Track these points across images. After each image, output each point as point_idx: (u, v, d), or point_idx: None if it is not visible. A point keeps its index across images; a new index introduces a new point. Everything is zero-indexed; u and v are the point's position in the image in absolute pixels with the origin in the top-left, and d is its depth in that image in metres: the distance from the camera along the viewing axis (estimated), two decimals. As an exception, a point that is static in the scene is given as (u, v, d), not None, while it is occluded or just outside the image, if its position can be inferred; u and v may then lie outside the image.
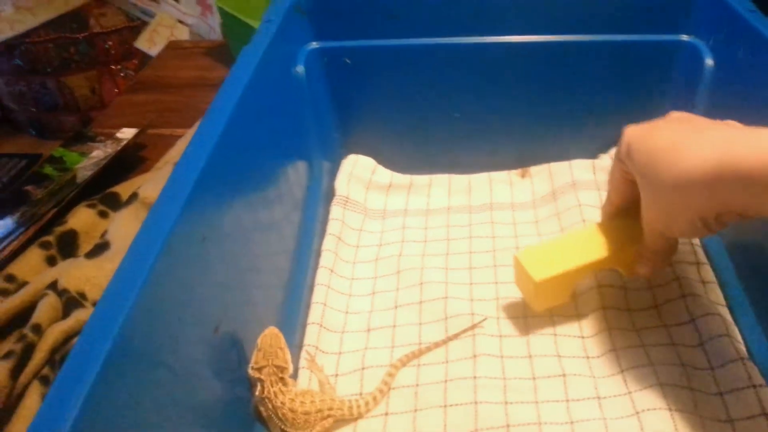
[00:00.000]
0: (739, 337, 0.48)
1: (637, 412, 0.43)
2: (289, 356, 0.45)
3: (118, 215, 0.63)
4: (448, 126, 0.67)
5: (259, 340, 0.46)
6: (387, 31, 0.63)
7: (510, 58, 0.63)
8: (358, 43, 0.64)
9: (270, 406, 0.43)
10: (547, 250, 0.49)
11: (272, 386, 0.43)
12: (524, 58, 0.63)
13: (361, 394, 0.48)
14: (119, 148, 0.74)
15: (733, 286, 0.52)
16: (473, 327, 0.51)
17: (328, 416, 0.44)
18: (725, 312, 0.50)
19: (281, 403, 0.43)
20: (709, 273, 0.53)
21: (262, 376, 0.43)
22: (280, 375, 0.44)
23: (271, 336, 0.46)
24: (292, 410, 0.43)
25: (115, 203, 0.66)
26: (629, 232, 0.48)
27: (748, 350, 0.47)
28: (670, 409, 0.43)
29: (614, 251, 0.48)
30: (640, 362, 0.47)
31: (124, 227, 0.60)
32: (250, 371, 0.44)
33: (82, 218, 0.64)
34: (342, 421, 0.46)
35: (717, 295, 0.51)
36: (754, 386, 0.44)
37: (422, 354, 0.50)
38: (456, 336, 0.50)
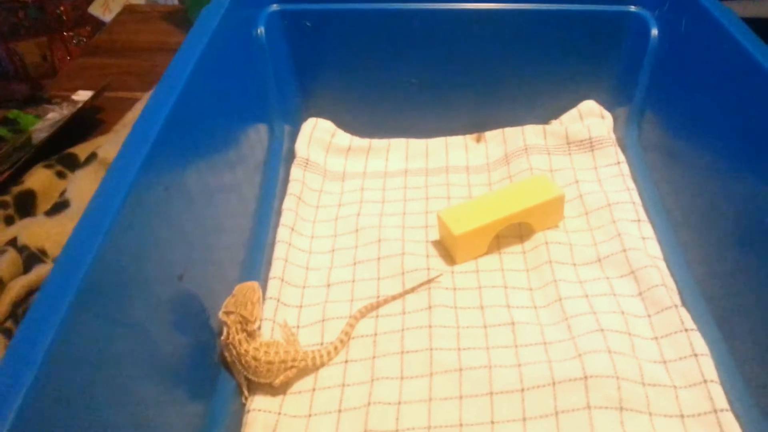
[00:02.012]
0: (674, 287, 0.51)
1: (580, 355, 0.46)
2: (258, 312, 0.47)
3: (76, 175, 0.62)
4: (406, 91, 0.69)
5: (236, 288, 0.47)
6: (348, -5, 0.64)
7: (466, 25, 0.65)
8: (318, 6, 0.64)
9: (234, 353, 0.45)
10: (465, 208, 0.56)
11: (237, 334, 0.45)
12: (479, 25, 0.65)
13: (322, 343, 0.50)
14: (75, 110, 0.74)
15: (670, 241, 0.56)
16: (430, 281, 0.53)
17: (292, 367, 0.46)
18: (662, 264, 0.54)
19: (245, 350, 0.45)
20: (648, 229, 0.57)
21: (229, 322, 0.45)
22: (245, 326, 0.46)
23: (248, 288, 0.47)
24: (255, 359, 0.45)
25: (74, 164, 0.65)
26: (536, 191, 0.56)
27: (681, 298, 0.51)
28: (609, 352, 0.46)
29: (524, 208, 0.55)
30: (583, 310, 0.50)
31: (83, 187, 0.60)
32: (220, 314, 0.46)
33: (39, 179, 0.63)
34: (305, 370, 0.47)
35: (655, 249, 0.55)
36: (686, 330, 0.47)
37: (380, 306, 0.52)
38: (413, 289, 0.53)
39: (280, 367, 0.45)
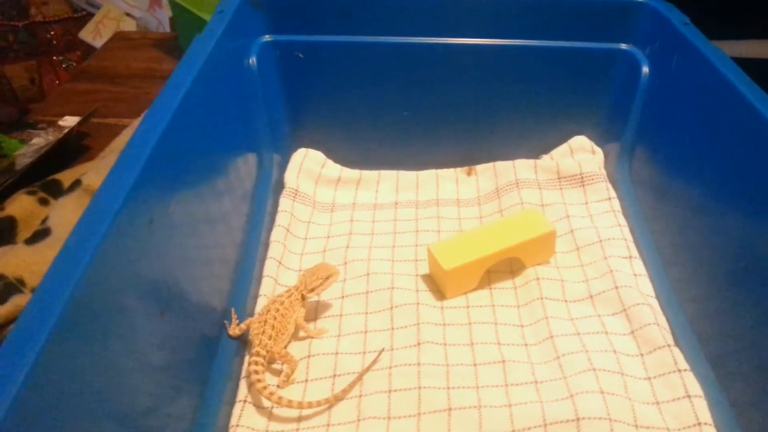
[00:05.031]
0: (666, 326, 0.51)
1: (572, 395, 0.45)
2: (317, 287, 0.52)
3: (59, 202, 0.61)
4: (398, 123, 0.68)
5: (319, 263, 0.54)
6: (340, 28, 0.64)
7: (459, 59, 0.65)
8: (310, 38, 0.64)
9: (283, 306, 0.50)
10: (456, 242, 0.55)
11: (296, 291, 0.52)
12: (473, 60, 0.65)
13: (307, 381, 0.48)
14: (61, 135, 0.73)
15: (661, 279, 0.55)
16: (379, 354, 0.49)
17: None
18: (654, 302, 0.53)
19: (287, 310, 0.50)
20: (640, 266, 0.56)
21: (298, 282, 0.52)
22: (303, 291, 0.52)
23: (323, 267, 0.53)
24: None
25: (57, 190, 0.64)
26: (527, 226, 0.55)
27: (674, 337, 0.50)
28: (602, 392, 0.45)
29: (515, 243, 0.54)
30: (574, 349, 0.49)
31: (65, 214, 0.59)
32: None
33: (21, 205, 0.62)
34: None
35: (647, 286, 0.54)
36: (679, 371, 0.47)
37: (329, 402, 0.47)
38: (366, 370, 0.48)
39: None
